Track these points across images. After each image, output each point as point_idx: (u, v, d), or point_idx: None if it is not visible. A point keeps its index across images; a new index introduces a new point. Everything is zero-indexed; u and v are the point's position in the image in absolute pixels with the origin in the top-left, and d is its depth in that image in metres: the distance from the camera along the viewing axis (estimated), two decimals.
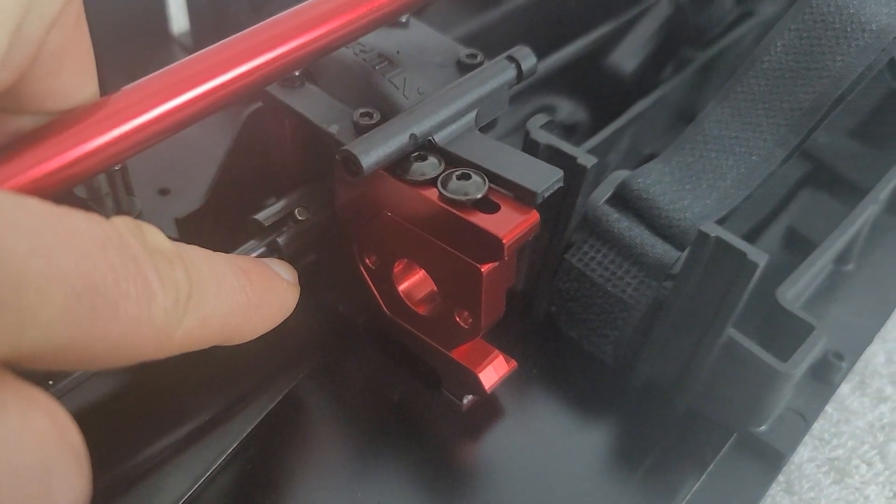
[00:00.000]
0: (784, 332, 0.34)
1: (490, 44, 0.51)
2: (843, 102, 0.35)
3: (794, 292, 0.35)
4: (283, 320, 0.29)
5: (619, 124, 0.42)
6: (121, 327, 0.20)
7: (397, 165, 0.29)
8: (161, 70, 0.27)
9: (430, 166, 0.29)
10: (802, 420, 0.35)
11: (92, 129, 0.25)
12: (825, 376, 0.37)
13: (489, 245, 0.28)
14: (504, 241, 0.27)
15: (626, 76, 0.48)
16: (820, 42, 0.35)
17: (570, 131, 0.50)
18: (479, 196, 0.28)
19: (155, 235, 0.23)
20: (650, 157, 0.45)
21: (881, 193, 0.40)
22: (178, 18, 0.51)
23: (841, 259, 0.42)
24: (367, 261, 0.34)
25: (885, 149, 0.46)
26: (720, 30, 0.50)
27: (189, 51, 0.50)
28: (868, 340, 0.39)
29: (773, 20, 0.37)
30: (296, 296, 0.29)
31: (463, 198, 0.28)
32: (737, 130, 0.36)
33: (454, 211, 0.28)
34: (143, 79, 0.27)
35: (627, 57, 0.48)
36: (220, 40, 0.48)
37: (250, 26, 0.48)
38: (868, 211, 0.39)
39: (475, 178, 0.28)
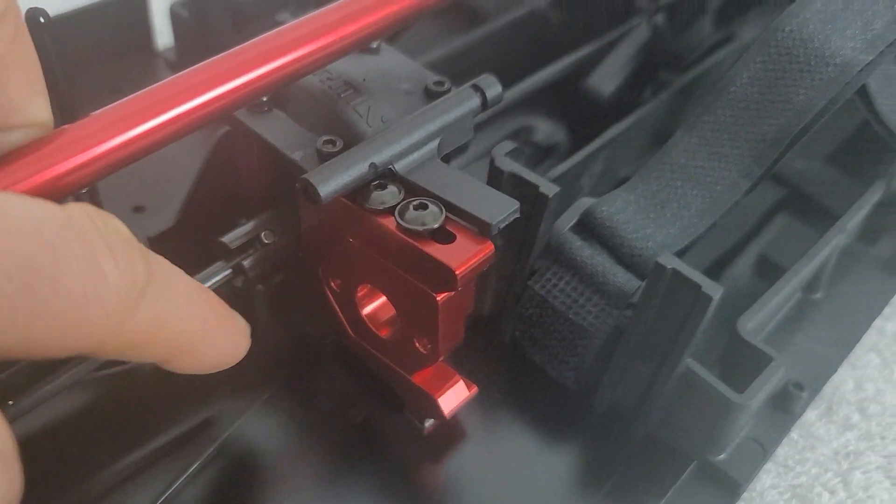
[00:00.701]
0: (744, 362, 0.34)
1: (472, 65, 0.51)
2: (808, 133, 0.35)
3: (755, 323, 0.35)
4: (226, 366, 0.28)
5: (591, 150, 0.42)
6: (64, 305, 0.19)
7: (358, 193, 0.30)
8: (129, 96, 0.28)
9: (389, 195, 0.30)
10: (761, 449, 0.36)
11: (60, 153, 0.26)
12: (786, 406, 0.37)
13: (443, 275, 0.28)
14: (457, 272, 0.28)
15: (605, 98, 0.49)
16: (784, 75, 0.35)
17: (549, 152, 0.51)
18: (436, 226, 0.28)
19: (113, 220, 0.23)
20: (626, 180, 0.46)
21: (848, 223, 0.40)
22: (163, 34, 0.51)
23: (809, 287, 0.42)
24: (332, 284, 0.34)
25: (859, 176, 0.46)
26: (698, 54, 0.50)
27: (173, 66, 0.50)
28: (832, 369, 0.40)
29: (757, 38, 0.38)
30: (245, 347, 0.29)
31: (419, 227, 0.28)
32: (703, 160, 0.36)
33: (410, 240, 0.28)
34: (112, 105, 0.27)
35: (606, 79, 0.49)
36: (203, 56, 0.49)
37: (232, 42, 0.48)
38: (835, 241, 0.39)
39: (432, 208, 0.29)
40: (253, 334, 0.37)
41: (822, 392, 0.41)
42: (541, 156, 0.50)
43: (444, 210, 0.29)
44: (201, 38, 0.48)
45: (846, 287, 0.43)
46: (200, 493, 0.33)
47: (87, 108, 0.29)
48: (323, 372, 0.37)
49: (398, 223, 0.29)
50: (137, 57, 0.51)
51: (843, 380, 0.42)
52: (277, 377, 0.37)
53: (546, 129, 0.50)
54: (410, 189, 0.30)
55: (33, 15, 0.28)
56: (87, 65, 0.49)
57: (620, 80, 0.49)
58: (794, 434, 0.40)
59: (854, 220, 0.41)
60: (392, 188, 0.30)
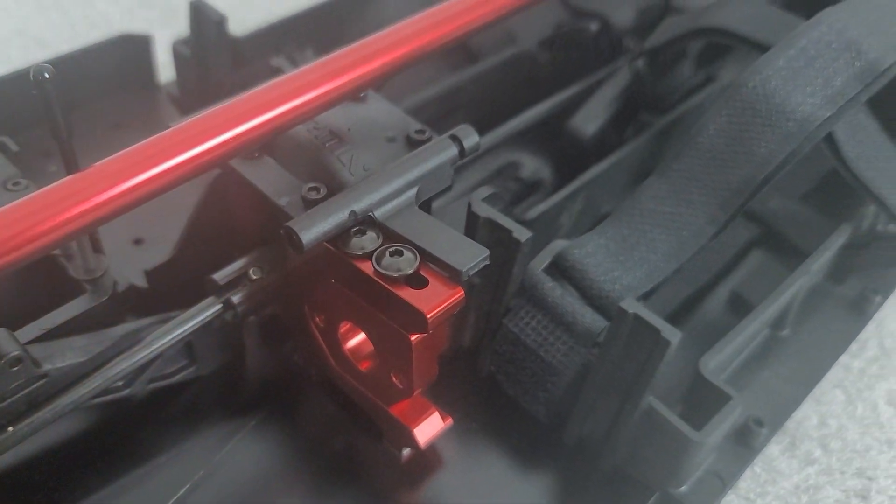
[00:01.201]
0: (705, 400, 0.36)
1: (463, 102, 0.54)
2: (770, 182, 0.37)
3: (717, 361, 0.37)
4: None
5: (570, 190, 0.44)
6: None
7: (339, 238, 0.32)
8: (128, 148, 0.30)
9: (368, 241, 0.32)
10: (721, 482, 0.37)
11: (64, 202, 0.28)
12: (746, 441, 0.39)
13: (415, 318, 0.30)
14: (427, 316, 0.30)
15: (587, 138, 0.50)
16: (748, 128, 0.37)
17: (534, 188, 0.53)
18: (410, 272, 0.30)
19: None
20: (606, 216, 0.48)
21: (813, 265, 0.42)
22: (166, 69, 0.53)
23: (776, 325, 0.44)
24: (317, 319, 0.36)
25: (832, 216, 0.48)
26: (678, 96, 0.52)
27: (175, 100, 0.53)
28: (794, 406, 0.41)
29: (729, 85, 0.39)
30: None
31: (395, 273, 0.30)
32: (671, 206, 0.38)
33: (385, 285, 0.30)
34: (112, 156, 0.30)
35: (588, 120, 0.51)
36: (203, 92, 0.51)
37: (231, 79, 0.51)
38: (799, 281, 0.41)
39: (407, 254, 0.31)
40: (242, 363, 0.39)
41: (785, 427, 0.43)
42: (526, 192, 0.52)
43: (418, 257, 0.31)
44: (202, 74, 0.50)
45: (813, 325, 0.45)
46: None
47: (92, 142, 0.31)
48: (307, 400, 0.39)
49: (375, 268, 0.31)
50: (140, 91, 0.53)
51: (807, 416, 0.44)
52: (265, 404, 0.39)
53: (532, 166, 0.52)
54: (388, 235, 0.32)
55: (38, 71, 0.30)
56: (91, 101, 0.51)
57: (602, 121, 0.51)
58: (758, 468, 0.42)
59: (820, 261, 0.42)
60: (371, 234, 0.32)
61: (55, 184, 0.28)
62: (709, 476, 0.37)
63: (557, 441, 0.38)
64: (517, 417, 0.39)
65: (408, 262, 0.31)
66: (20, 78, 0.47)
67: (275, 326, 0.40)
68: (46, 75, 0.30)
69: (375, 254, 0.31)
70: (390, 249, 0.31)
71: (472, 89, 0.54)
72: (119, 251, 0.39)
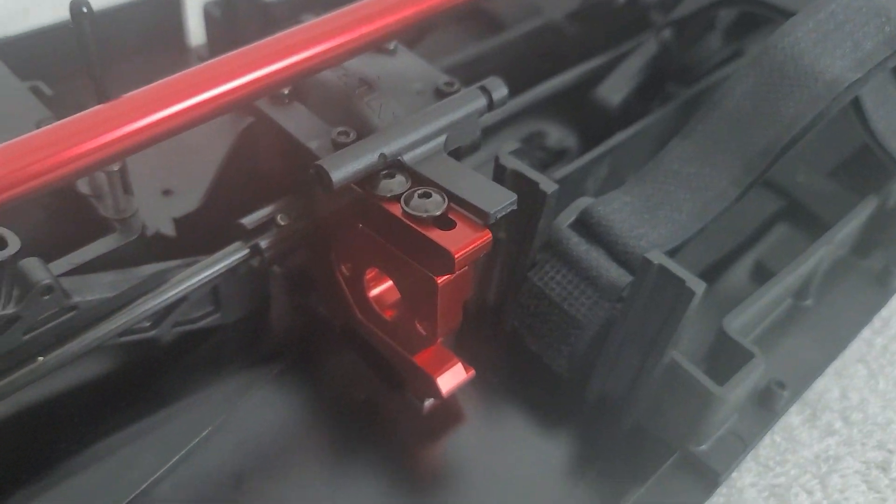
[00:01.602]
0: (727, 358, 0.36)
1: (488, 71, 0.53)
2: (796, 145, 0.37)
3: (740, 322, 0.37)
4: None
5: (596, 154, 0.44)
6: None
7: (367, 181, 0.32)
8: (158, 81, 0.30)
9: (396, 184, 0.32)
10: (741, 442, 0.37)
11: (92, 131, 0.28)
12: (768, 403, 0.39)
13: (443, 259, 0.30)
14: (455, 256, 0.30)
15: (614, 108, 0.51)
16: (775, 89, 0.37)
17: (560, 156, 0.53)
18: (438, 213, 0.31)
19: None
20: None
21: (837, 235, 0.42)
22: (196, 32, 0.54)
23: (800, 294, 0.44)
24: (343, 267, 0.37)
25: (858, 191, 0.48)
26: (706, 68, 0.52)
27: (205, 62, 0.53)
28: (817, 373, 0.41)
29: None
30: None
31: (423, 214, 0.31)
32: (695, 167, 0.38)
33: (413, 225, 0.31)
34: (142, 88, 0.30)
35: (615, 90, 0.51)
36: None
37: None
38: (822, 250, 0.41)
39: (435, 196, 0.31)
40: (266, 313, 0.39)
41: (806, 399, 0.43)
42: (551, 160, 0.52)
43: (446, 199, 0.31)
44: (231, 36, 0.50)
45: (836, 297, 0.45)
46: (210, 460, 0.35)
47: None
48: (330, 351, 0.40)
49: (403, 209, 0.31)
50: (170, 53, 0.53)
51: (829, 388, 0.44)
52: (288, 354, 0.39)
53: (557, 135, 0.53)
54: (417, 179, 0.32)
55: (76, 4, 0.31)
56: (121, 59, 0.51)
57: (629, 91, 0.51)
58: (777, 437, 0.42)
59: (843, 232, 0.42)
60: (399, 177, 0.32)
61: (85, 111, 0.29)
62: (730, 436, 0.37)
63: (578, 398, 0.39)
64: (539, 373, 0.39)
65: (435, 204, 0.31)
66: (55, 31, 0.48)
67: (300, 277, 0.41)
68: (84, 9, 0.31)
69: (404, 196, 0.31)
70: (419, 192, 0.31)
71: (496, 59, 0.54)
72: (149, 201, 0.40)
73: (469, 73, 0.52)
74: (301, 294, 0.40)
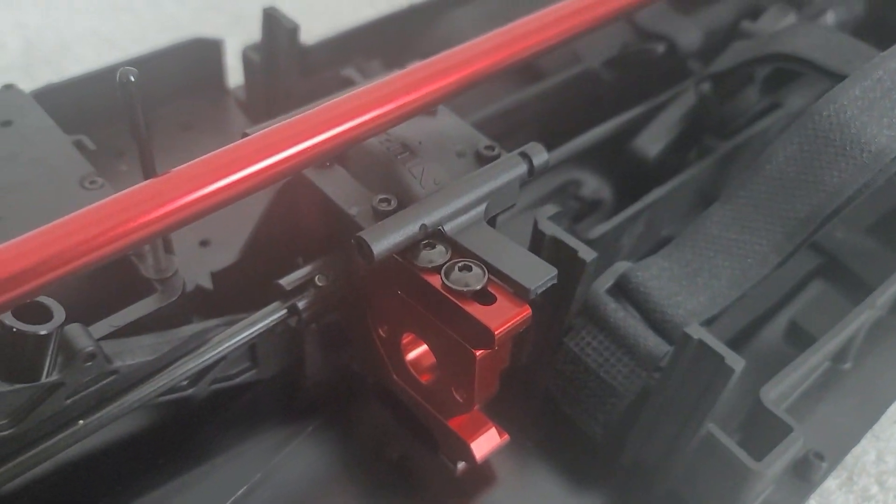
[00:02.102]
0: (765, 430, 0.36)
1: (526, 119, 0.54)
2: (840, 214, 0.36)
3: (778, 391, 0.37)
4: None
5: (632, 211, 0.44)
6: None
7: (408, 250, 0.32)
8: (206, 155, 0.30)
9: (437, 254, 0.32)
10: None
11: (142, 206, 0.28)
12: (805, 474, 0.38)
13: (482, 334, 0.30)
14: (495, 333, 0.30)
15: (650, 159, 0.50)
16: (820, 157, 0.37)
17: (594, 207, 0.53)
18: (478, 288, 0.31)
19: None
20: (667, 240, 0.47)
21: (879, 299, 0.41)
22: (235, 73, 0.54)
23: (838, 357, 0.43)
24: (380, 330, 0.37)
25: None
26: (744, 121, 0.52)
27: (242, 105, 0.54)
28: (855, 441, 0.41)
29: (800, 113, 0.39)
30: None
31: (463, 288, 0.31)
32: (736, 233, 0.38)
33: (453, 299, 0.31)
34: (190, 162, 0.30)
35: (651, 141, 0.50)
36: (270, 98, 0.52)
37: (299, 86, 0.51)
38: (865, 314, 0.41)
39: (476, 270, 0.31)
40: (301, 369, 0.40)
41: (843, 462, 0.42)
42: (586, 210, 0.52)
43: (486, 273, 0.31)
44: (270, 80, 0.51)
45: (876, 359, 0.44)
46: None
47: (161, 142, 0.32)
48: (365, 408, 0.40)
49: (443, 282, 0.31)
50: (209, 95, 0.54)
51: (866, 451, 0.43)
52: (322, 410, 0.39)
53: (593, 185, 0.52)
54: (457, 249, 0.32)
55: (124, 74, 0.31)
56: (162, 101, 0.52)
57: (666, 143, 0.51)
58: (813, 501, 0.41)
59: (886, 295, 0.42)
60: (440, 248, 0.32)
61: (136, 187, 0.29)
62: None
63: (612, 462, 0.38)
64: (572, 437, 0.39)
65: (476, 278, 0.31)
66: (94, 79, 0.49)
67: (334, 333, 0.41)
68: (132, 78, 0.31)
69: (444, 268, 0.31)
70: (459, 264, 0.31)
71: (535, 106, 0.54)
72: (186, 252, 0.40)
73: (508, 123, 0.52)
74: (336, 351, 0.41)
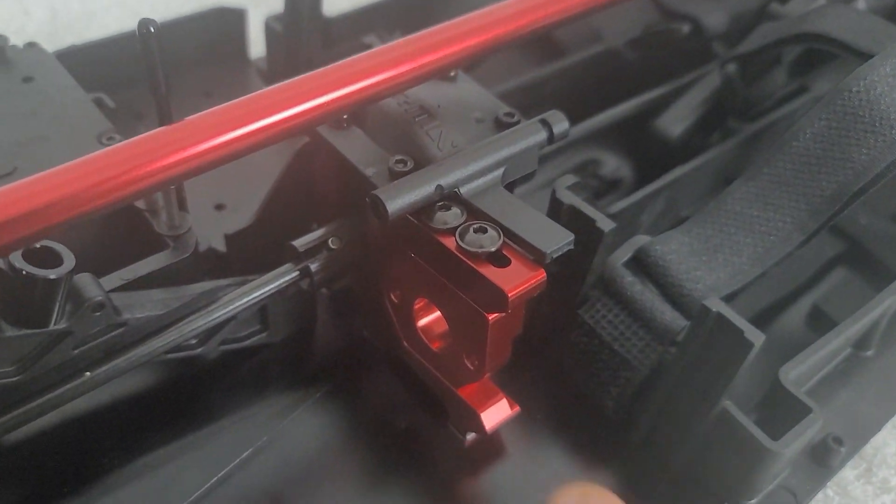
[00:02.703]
0: (782, 411, 0.35)
1: (546, 96, 0.53)
2: (866, 193, 0.36)
3: (797, 373, 0.36)
4: None
5: (653, 188, 0.43)
6: None
7: (423, 212, 0.32)
8: (221, 105, 0.30)
9: (452, 216, 0.31)
10: (794, 499, 0.36)
11: (156, 153, 0.28)
12: (823, 459, 0.37)
13: (495, 297, 0.30)
14: (509, 295, 0.29)
15: (672, 140, 0.50)
16: (848, 133, 0.36)
17: (613, 186, 0.52)
18: (493, 250, 0.30)
19: None
20: (686, 220, 0.47)
21: None
22: (256, 44, 0.54)
23: (860, 344, 0.42)
24: (392, 295, 0.36)
25: None
26: (769, 104, 0.51)
27: (264, 75, 0.53)
28: (875, 428, 0.40)
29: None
30: None
31: (477, 250, 0.30)
32: (758, 210, 0.37)
33: (467, 261, 0.30)
34: (205, 111, 0.30)
35: (674, 121, 0.50)
36: (292, 68, 0.52)
37: (321, 58, 0.51)
38: (889, 300, 0.40)
39: (491, 232, 0.31)
40: (311, 335, 0.39)
41: (862, 452, 0.41)
42: (605, 189, 0.51)
43: (501, 235, 0.30)
44: (292, 51, 0.51)
45: None
46: (250, 480, 0.35)
47: (182, 108, 0.32)
48: (374, 376, 0.39)
49: (457, 243, 0.30)
50: (231, 64, 0.54)
51: (887, 442, 0.42)
52: (331, 377, 0.39)
53: (612, 164, 0.52)
54: (473, 212, 0.32)
55: (143, 24, 0.31)
56: (184, 69, 0.52)
57: (689, 124, 0.50)
58: (830, 491, 0.40)
59: None
60: (455, 210, 0.31)
61: (152, 132, 0.29)
62: (781, 491, 0.36)
63: (624, 438, 0.38)
64: (583, 411, 0.38)
65: (490, 240, 0.30)
66: (117, 42, 0.49)
67: (346, 300, 0.41)
68: (151, 29, 0.31)
69: (459, 229, 0.31)
70: (474, 226, 0.31)
71: (555, 83, 0.53)
72: (201, 215, 0.40)
73: (527, 98, 0.51)
74: (346, 317, 0.40)
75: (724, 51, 0.55)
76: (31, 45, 0.42)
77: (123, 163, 0.28)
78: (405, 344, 0.37)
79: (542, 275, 0.30)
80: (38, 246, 0.28)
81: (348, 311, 0.40)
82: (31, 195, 0.26)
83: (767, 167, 0.37)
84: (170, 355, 0.34)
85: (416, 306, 0.36)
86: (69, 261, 0.28)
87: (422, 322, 0.36)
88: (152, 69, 0.32)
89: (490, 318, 0.31)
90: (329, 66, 0.32)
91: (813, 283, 0.46)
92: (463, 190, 0.32)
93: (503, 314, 0.31)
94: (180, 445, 0.35)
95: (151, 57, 0.31)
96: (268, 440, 0.36)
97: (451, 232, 0.31)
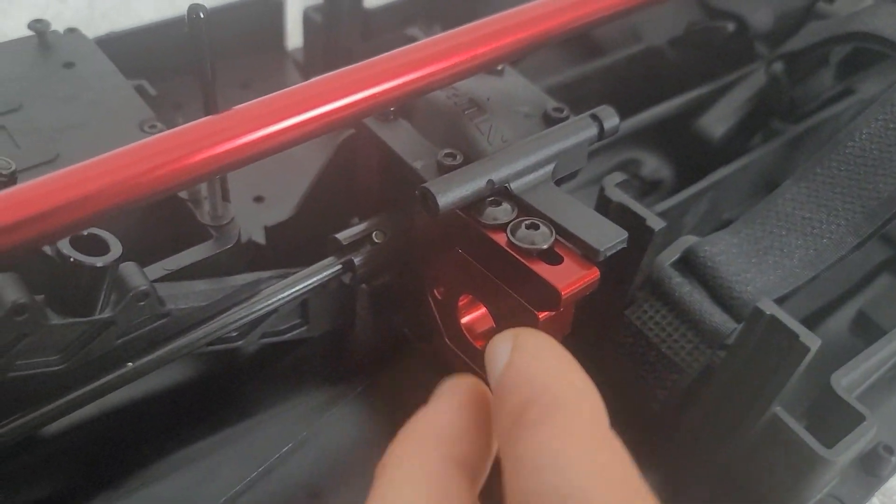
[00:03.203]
0: (834, 417, 0.34)
1: (586, 94, 0.52)
2: None
3: (850, 379, 0.35)
4: None
5: (697, 189, 0.42)
6: None
7: (473, 207, 0.31)
8: (269, 95, 0.30)
9: (502, 212, 0.31)
10: None
11: (202, 142, 0.28)
12: (873, 468, 0.37)
13: (548, 294, 0.29)
14: (562, 293, 0.28)
15: (714, 140, 0.49)
16: None
17: (654, 186, 0.51)
18: (545, 247, 0.29)
19: None
20: (728, 223, 0.46)
21: None
22: (293, 35, 0.54)
23: None
24: (436, 291, 0.35)
25: None
26: (815, 105, 0.50)
27: (300, 66, 0.53)
28: None
29: (874, 100, 0.37)
30: None
31: (529, 246, 0.29)
32: (810, 211, 0.36)
33: (519, 257, 0.29)
34: (252, 101, 0.29)
35: (717, 122, 0.49)
36: (330, 60, 0.51)
37: (359, 50, 0.51)
38: None
39: (543, 228, 0.30)
40: (351, 329, 0.39)
41: None
42: (645, 190, 0.50)
43: (554, 232, 0.30)
44: (330, 42, 0.50)
45: None
46: (288, 475, 0.35)
47: (219, 100, 0.32)
48: (414, 374, 0.39)
49: (509, 239, 0.30)
50: (268, 55, 0.53)
51: None
52: (370, 373, 0.38)
53: (653, 164, 0.51)
54: (523, 208, 0.31)
55: (193, 9, 0.30)
56: (221, 58, 0.51)
57: (731, 124, 0.49)
58: (876, 499, 0.39)
59: None
60: (506, 206, 0.31)
61: (198, 121, 0.28)
62: (830, 500, 0.35)
63: (668, 438, 0.37)
64: (628, 412, 0.37)
65: (543, 237, 0.30)
66: (156, 30, 0.48)
67: (386, 295, 0.40)
68: (201, 14, 0.30)
69: (510, 225, 0.30)
70: (526, 223, 0.30)
71: (595, 82, 0.52)
72: (240, 207, 0.39)
73: (567, 97, 0.51)
74: (385, 313, 0.40)
75: (767, 50, 0.54)
76: (72, 31, 0.42)
77: (172, 150, 0.27)
78: (447, 342, 0.36)
79: (595, 273, 0.29)
80: (85, 233, 0.28)
81: (387, 307, 0.40)
82: (80, 182, 0.25)
83: (820, 167, 0.36)
84: (210, 347, 0.34)
85: (461, 303, 0.35)
86: (116, 248, 0.28)
87: (465, 319, 0.35)
88: (200, 55, 0.31)
89: (541, 316, 0.30)
90: (379, 57, 0.31)
91: (859, 289, 0.46)
92: (513, 185, 0.31)
93: (554, 313, 0.30)
94: (220, 438, 0.35)
95: (200, 43, 0.31)
96: (307, 435, 0.36)
97: (502, 228, 0.30)
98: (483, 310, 0.35)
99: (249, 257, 0.37)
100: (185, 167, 0.27)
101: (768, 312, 0.31)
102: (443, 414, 0.25)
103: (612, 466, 0.22)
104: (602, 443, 0.23)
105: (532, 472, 0.21)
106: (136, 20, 0.66)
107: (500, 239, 0.30)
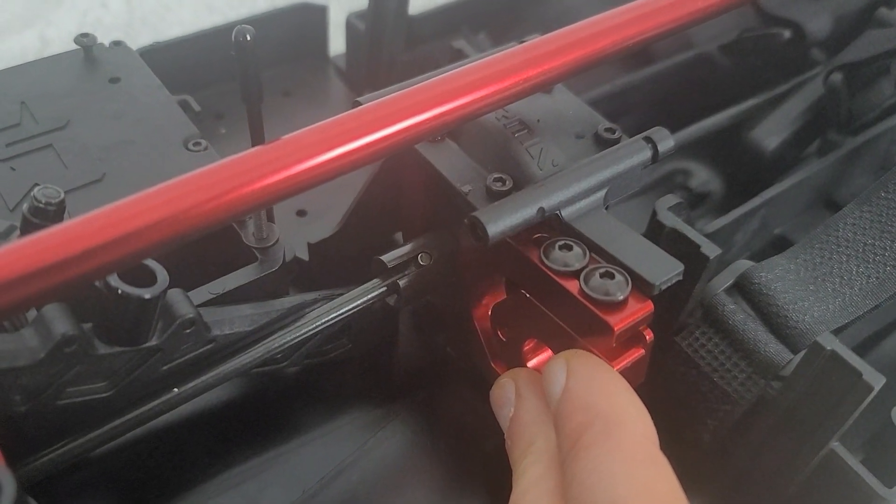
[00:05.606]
0: (894, 454, 0.33)
1: (636, 103, 0.51)
2: None
3: None
4: None
5: (750, 207, 0.41)
6: None
7: (542, 249, 0.30)
8: (319, 123, 0.29)
9: (574, 258, 0.29)
10: None
11: (254, 173, 0.27)
12: None
13: (599, 329, 0.28)
14: (615, 328, 0.28)
15: (767, 153, 0.47)
16: None
17: (702, 199, 0.50)
18: (621, 298, 0.28)
19: None
20: (780, 238, 0.45)
21: None
22: (335, 41, 0.53)
23: None
24: (499, 332, 0.35)
25: None
26: (873, 116, 0.48)
27: (342, 74, 0.52)
28: None
29: None
30: None
31: (604, 297, 0.28)
32: (873, 237, 0.35)
33: (594, 309, 0.28)
34: (304, 129, 0.29)
35: (771, 133, 0.47)
36: (372, 67, 0.50)
37: (403, 58, 0.50)
38: None
39: (619, 277, 0.28)
40: (396, 350, 0.38)
41: None
42: (693, 202, 0.49)
43: (629, 281, 0.29)
44: (374, 50, 0.49)
45: None
46: (332, 497, 0.34)
47: (262, 108, 0.31)
48: (458, 394, 0.38)
49: (582, 289, 0.29)
50: (309, 62, 0.53)
51: None
52: (415, 393, 0.38)
53: (702, 176, 0.50)
54: (574, 237, 0.30)
55: (240, 32, 0.30)
56: (262, 67, 0.51)
57: (786, 136, 0.47)
58: None
59: None
60: (577, 250, 0.30)
61: (248, 152, 0.28)
62: None
63: (718, 472, 0.36)
64: (677, 442, 0.37)
65: (618, 287, 0.28)
66: (197, 40, 0.48)
67: (428, 314, 0.39)
68: (248, 37, 0.30)
69: (584, 274, 0.29)
70: (600, 271, 0.28)
71: (645, 90, 0.51)
72: (282, 221, 0.39)
73: (616, 106, 0.50)
74: (427, 332, 0.39)
75: (822, 57, 0.52)
76: (117, 44, 0.42)
77: (222, 183, 0.27)
78: (492, 365, 0.36)
79: (649, 307, 0.29)
80: None
81: (430, 326, 0.39)
82: (131, 216, 0.25)
83: (885, 191, 0.35)
84: (255, 370, 0.34)
85: (526, 347, 0.34)
86: (163, 279, 0.28)
87: (532, 362, 0.35)
88: (246, 79, 0.31)
89: (616, 367, 0.29)
90: (431, 81, 0.31)
91: None
92: (564, 213, 0.31)
93: (630, 363, 0.29)
94: (264, 460, 0.35)
95: (247, 67, 0.31)
96: (353, 457, 0.35)
97: (574, 275, 0.29)
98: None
99: (293, 275, 0.36)
100: (237, 199, 0.27)
101: (829, 348, 0.30)
102: None
103: (656, 483, 0.25)
104: (648, 461, 0.25)
105: (585, 490, 0.24)
106: (175, 24, 0.66)
107: (572, 287, 0.29)
